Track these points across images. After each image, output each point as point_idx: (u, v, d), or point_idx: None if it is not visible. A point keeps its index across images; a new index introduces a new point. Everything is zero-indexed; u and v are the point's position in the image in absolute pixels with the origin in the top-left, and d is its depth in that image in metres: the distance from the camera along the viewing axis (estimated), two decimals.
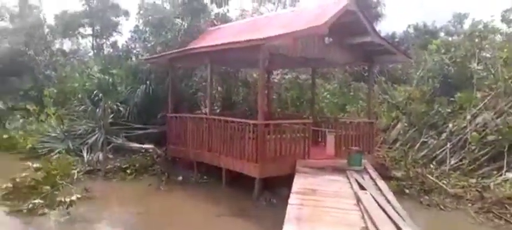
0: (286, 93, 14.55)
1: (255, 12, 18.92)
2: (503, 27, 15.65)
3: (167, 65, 11.94)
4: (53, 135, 12.59)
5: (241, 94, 14.69)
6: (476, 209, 7.96)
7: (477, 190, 8.71)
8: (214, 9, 14.79)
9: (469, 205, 8.27)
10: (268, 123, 8.64)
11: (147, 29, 15.09)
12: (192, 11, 13.69)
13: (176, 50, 10.63)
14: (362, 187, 6.90)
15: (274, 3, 20.06)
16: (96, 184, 9.35)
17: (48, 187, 7.80)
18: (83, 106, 12.74)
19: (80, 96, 13.84)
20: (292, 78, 15.04)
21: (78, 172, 9.89)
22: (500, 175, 9.57)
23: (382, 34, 15.01)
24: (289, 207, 5.65)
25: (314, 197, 6.37)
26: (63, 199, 7.11)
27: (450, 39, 25.46)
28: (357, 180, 7.38)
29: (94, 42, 26.53)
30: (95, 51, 25.80)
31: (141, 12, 15.09)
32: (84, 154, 11.38)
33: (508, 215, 7.45)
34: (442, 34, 27.83)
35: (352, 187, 6.93)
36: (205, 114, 12.75)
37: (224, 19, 14.61)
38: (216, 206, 8.11)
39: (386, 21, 24.70)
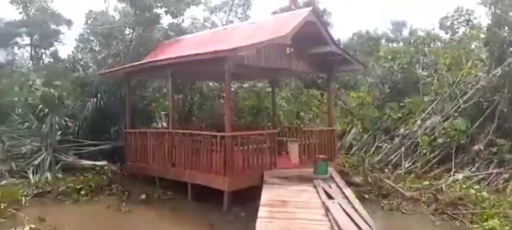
0: (244, 102, 14.48)
1: (207, 21, 18.71)
2: (442, 33, 16.84)
3: (123, 78, 11.37)
4: None
5: (197, 106, 14.38)
6: (432, 211, 8.35)
7: (431, 193, 9.16)
8: (167, 20, 14.37)
9: (425, 207, 8.66)
10: (235, 135, 8.54)
11: (95, 39, 14.31)
12: (145, 22, 13.19)
13: (136, 63, 10.17)
14: (329, 196, 7.01)
15: (225, 12, 19.95)
16: (48, 209, 8.49)
17: None
18: (26, 123, 11.68)
19: (20, 111, 12.75)
20: (249, 87, 15.02)
21: (25, 196, 9.02)
22: (450, 176, 10.23)
23: None
24: (258, 221, 5.59)
25: (283, 209, 6.35)
26: None
27: (390, 45, 27.18)
28: (324, 189, 7.49)
29: (32, 52, 24.67)
30: (34, 62, 23.99)
31: (89, 21, 14.25)
32: (31, 176, 10.45)
33: (461, 216, 7.88)
34: (383, 41, 29.46)
35: (320, 197, 6.99)
36: (165, 127, 12.40)
37: (178, 30, 14.25)
38: (184, 223, 7.82)
39: (333, 29, 25.62)
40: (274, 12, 21.05)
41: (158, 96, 14.56)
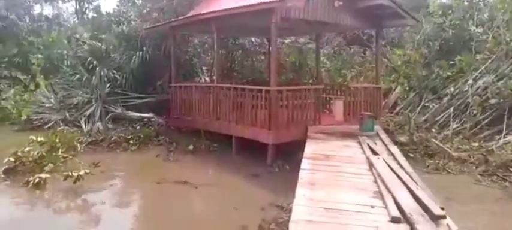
0: (286, 58, 14.29)
1: None
2: None
3: (168, 33, 11.47)
4: (48, 105, 12.09)
5: (239, 62, 14.37)
6: (481, 172, 8.09)
7: (482, 154, 8.84)
8: None
9: (474, 168, 8.42)
10: (280, 89, 8.53)
11: None
12: None
13: (182, 17, 10.18)
14: (374, 152, 6.92)
15: None
16: (101, 156, 9.04)
17: (53, 162, 7.51)
18: (77, 75, 12.17)
19: (69, 63, 13.30)
20: (291, 43, 14.75)
21: (80, 143, 9.55)
22: (501, 138, 9.78)
23: None
24: (301, 172, 5.60)
25: (326, 163, 6.33)
26: (70, 174, 6.84)
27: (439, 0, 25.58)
28: (369, 145, 7.37)
29: (77, 6, 25.30)
30: (79, 16, 24.65)
31: None
32: (83, 125, 11.03)
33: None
34: None
35: (364, 152, 6.90)
36: (207, 82, 12.52)
37: None
38: (230, 173, 8.09)
39: None
40: None
41: (200, 50, 14.65)
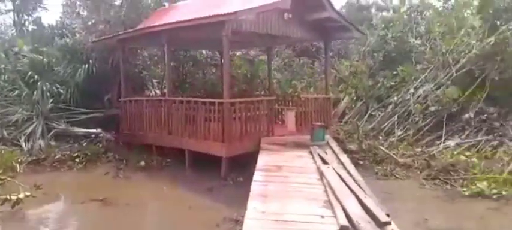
0: (237, 70, 14.35)
1: None
2: (434, 1, 16.77)
3: (116, 46, 11.12)
4: None
5: (191, 74, 14.22)
6: (425, 176, 8.55)
7: (425, 159, 9.35)
8: None
9: (418, 172, 8.87)
10: (234, 102, 8.54)
11: (83, 4, 13.82)
12: None
13: (131, 30, 9.91)
14: (325, 161, 7.09)
15: None
16: (44, 176, 8.48)
17: None
18: (16, 91, 11.36)
19: (7, 78, 12.36)
20: (242, 55, 14.87)
21: (20, 163, 8.92)
22: (441, 143, 10.45)
23: None
24: (253, 184, 5.66)
25: (279, 174, 6.44)
26: (8, 197, 6.32)
27: (380, 14, 27.02)
28: (319, 155, 7.55)
29: (15, 18, 23.76)
30: (18, 28, 23.15)
31: None
32: (23, 144, 10.29)
33: (453, 181, 8.08)
34: (373, 10, 29.26)
35: (315, 162, 7.07)
36: (158, 95, 12.26)
37: None
38: (183, 188, 7.93)
39: None
40: None
41: (149, 63, 14.32)
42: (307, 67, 17.07)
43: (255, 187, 5.55)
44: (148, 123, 10.19)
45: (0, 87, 12.17)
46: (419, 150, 10.26)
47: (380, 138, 11.37)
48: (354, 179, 5.94)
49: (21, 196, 6.38)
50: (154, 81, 14.52)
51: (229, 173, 8.45)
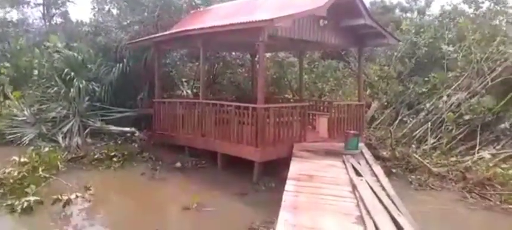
0: (266, 71, 14.39)
1: None
2: (465, 8, 16.43)
3: (151, 47, 11.31)
4: (21, 119, 11.53)
5: (221, 75, 14.37)
6: (460, 188, 8.42)
7: (460, 171, 9.18)
8: None
9: (452, 184, 8.73)
10: (267, 107, 8.58)
11: (116, 3, 14.09)
12: None
13: (168, 32, 10.10)
14: (358, 173, 7.02)
15: None
16: (85, 175, 8.68)
17: (35, 183, 7.08)
18: (55, 88, 11.68)
19: (45, 73, 12.68)
20: (271, 57, 14.90)
21: (60, 161, 9.16)
22: (474, 153, 10.26)
23: None
24: (285, 194, 5.66)
25: (310, 184, 6.40)
26: (60, 197, 6.50)
27: (404, 15, 26.54)
28: (353, 165, 7.48)
29: (44, 11, 24.35)
30: (46, 21, 23.73)
31: None
32: (60, 140, 10.60)
33: (489, 195, 7.94)
34: (397, 10, 28.76)
35: (348, 173, 7.00)
36: (189, 95, 12.40)
37: None
38: (217, 190, 8.04)
39: None
40: None
41: (179, 63, 14.50)
42: (334, 70, 16.95)
43: (287, 197, 5.56)
44: (181, 124, 10.34)
45: (38, 83, 12.55)
46: (453, 159, 10.10)
47: (413, 145, 11.24)
48: (387, 194, 5.83)
49: (72, 196, 6.53)
50: (183, 80, 14.70)
51: (262, 178, 8.50)
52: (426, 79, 13.27)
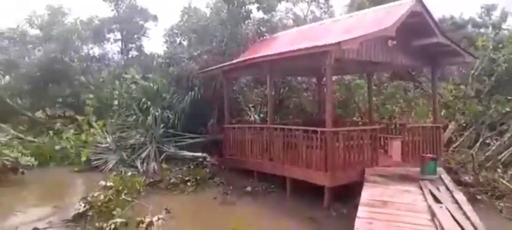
0: (333, 94, 14.25)
1: (289, 12, 18.77)
2: None
3: (221, 76, 11.85)
4: (104, 146, 12.56)
5: (286, 99, 14.53)
6: None
7: None
8: (257, 15, 14.55)
9: None
10: (336, 130, 8.45)
11: (189, 35, 14.97)
12: (237, 18, 13.52)
13: (235, 61, 10.55)
14: (437, 200, 6.56)
15: (307, 2, 19.76)
16: (162, 199, 9.17)
17: (120, 206, 7.60)
18: (134, 116, 12.63)
19: (124, 103, 13.74)
20: (337, 79, 14.76)
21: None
22: None
23: None
24: (357, 221, 5.45)
25: (385, 210, 6.12)
26: (143, 219, 6.88)
27: (477, 31, 24.75)
28: (431, 191, 7.02)
29: (123, 46, 26.58)
30: (125, 56, 25.85)
31: (185, 17, 14.95)
32: (138, 166, 11.33)
33: None
34: (469, 26, 26.95)
35: (426, 200, 6.59)
36: (261, 121, 12.60)
37: (269, 25, 14.41)
38: (287, 216, 8.02)
39: None
40: (352, 4, 20.40)
41: (245, 89, 14.92)
42: (403, 91, 16.29)
43: (359, 224, 5.37)
44: (250, 149, 10.54)
45: (118, 113, 13.62)
46: None
47: (498, 169, 10.30)
48: (472, 223, 5.40)
49: (155, 219, 6.83)
50: (250, 105, 15.08)
51: (332, 203, 8.32)
52: (509, 97, 12.21)
